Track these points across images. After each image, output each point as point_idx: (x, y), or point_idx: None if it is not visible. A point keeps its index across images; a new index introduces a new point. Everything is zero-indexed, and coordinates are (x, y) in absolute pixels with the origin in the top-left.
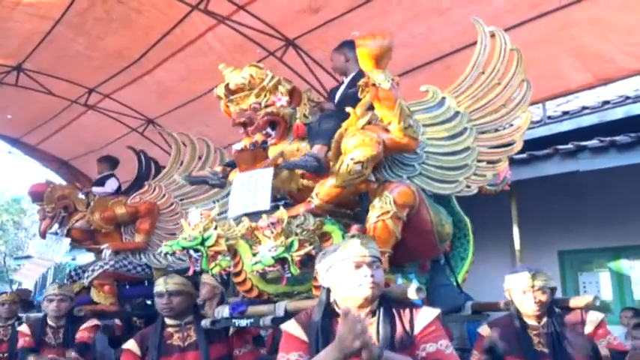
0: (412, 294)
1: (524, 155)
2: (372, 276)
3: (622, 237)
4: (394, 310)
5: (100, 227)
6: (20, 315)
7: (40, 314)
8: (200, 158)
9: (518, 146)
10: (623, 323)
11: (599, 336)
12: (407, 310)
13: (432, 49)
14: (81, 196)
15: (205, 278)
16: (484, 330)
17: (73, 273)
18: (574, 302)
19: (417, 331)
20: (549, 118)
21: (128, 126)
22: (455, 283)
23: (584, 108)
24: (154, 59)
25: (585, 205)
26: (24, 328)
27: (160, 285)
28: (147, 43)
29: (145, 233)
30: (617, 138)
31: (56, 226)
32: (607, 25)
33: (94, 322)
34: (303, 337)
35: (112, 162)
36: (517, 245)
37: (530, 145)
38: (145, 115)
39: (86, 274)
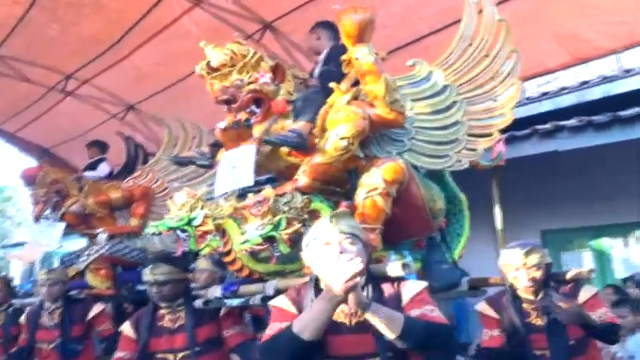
0: (397, 270)
1: (504, 135)
2: (342, 252)
3: (603, 216)
4: (382, 285)
5: (94, 211)
6: (14, 302)
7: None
8: (194, 139)
9: (509, 119)
10: (604, 301)
11: (590, 306)
12: (395, 284)
13: (410, 29)
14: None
15: (202, 264)
16: (482, 306)
17: (65, 259)
18: (570, 275)
19: (404, 302)
20: (528, 99)
21: (108, 112)
22: (450, 260)
23: (563, 88)
24: (131, 44)
25: (567, 184)
26: (22, 321)
27: (147, 275)
28: (122, 27)
29: (140, 217)
30: (594, 118)
31: (49, 211)
32: (583, 4)
33: (100, 307)
34: (293, 309)
35: (101, 146)
36: (499, 225)
37: (510, 125)
38: (124, 100)
39: (81, 259)
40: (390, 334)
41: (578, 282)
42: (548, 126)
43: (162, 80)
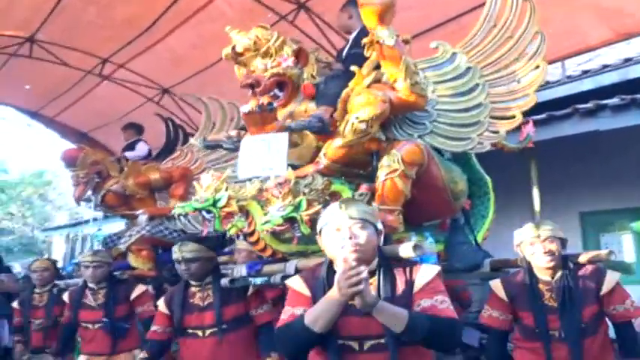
0: (409, 251)
1: (542, 116)
2: (352, 238)
3: None
4: (395, 269)
5: (134, 192)
6: (57, 282)
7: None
8: (232, 120)
9: (532, 101)
10: None
11: (613, 300)
12: (407, 269)
13: (445, 9)
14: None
15: (240, 244)
16: (494, 284)
17: (108, 240)
18: (587, 257)
19: (416, 288)
20: (569, 77)
21: (144, 95)
22: (474, 241)
23: (604, 66)
24: (165, 27)
25: (607, 165)
26: (65, 298)
27: (176, 253)
28: (156, 10)
29: (179, 199)
30: (637, 96)
31: (89, 192)
32: None
33: (142, 288)
34: (306, 292)
35: (137, 128)
36: (537, 207)
37: (549, 105)
38: (159, 84)
39: (123, 240)
40: (394, 329)
41: (599, 266)
42: (589, 105)
43: (197, 63)
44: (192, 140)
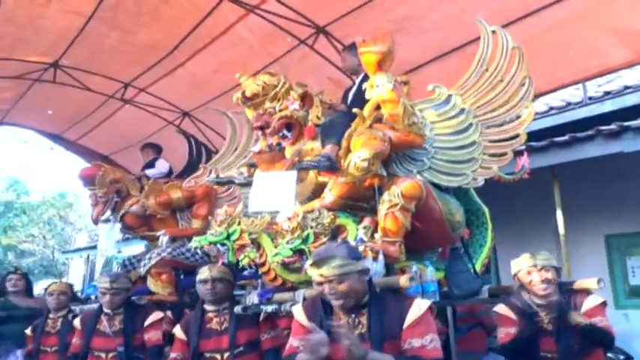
0: (405, 282)
1: (565, 137)
2: (332, 290)
3: None
4: (388, 301)
5: (155, 212)
6: (73, 308)
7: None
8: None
9: (523, 139)
10: None
11: (590, 315)
12: (399, 302)
13: (464, 31)
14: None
15: None
16: (500, 307)
17: (127, 262)
18: (578, 285)
19: (407, 323)
20: (590, 98)
21: (164, 119)
22: (472, 269)
23: (626, 87)
24: (186, 52)
25: (631, 187)
26: (77, 324)
27: (205, 272)
28: (178, 35)
29: (202, 219)
30: None
31: (108, 212)
32: None
33: (158, 315)
34: (305, 322)
35: (156, 148)
36: (561, 229)
37: (571, 126)
38: (180, 107)
39: (142, 263)
40: None
41: (590, 291)
42: (613, 127)
43: (217, 87)
44: (217, 155)
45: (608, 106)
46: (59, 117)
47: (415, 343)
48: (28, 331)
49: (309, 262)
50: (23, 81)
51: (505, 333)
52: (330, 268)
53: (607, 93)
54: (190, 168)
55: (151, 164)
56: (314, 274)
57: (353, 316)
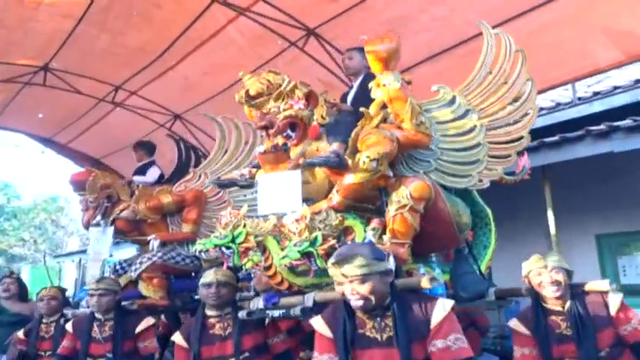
0: (426, 284)
1: (555, 138)
2: (354, 291)
3: None
4: (411, 302)
5: (146, 217)
6: (65, 312)
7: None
8: (247, 143)
9: (526, 141)
10: None
11: (622, 321)
12: (423, 302)
13: (454, 32)
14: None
15: None
16: (514, 323)
17: (117, 267)
18: (589, 286)
19: (432, 324)
20: (579, 99)
21: (155, 122)
22: (478, 271)
23: (615, 88)
24: (177, 54)
25: (622, 187)
26: (68, 328)
27: (210, 276)
28: (169, 38)
29: (192, 223)
30: None
31: (99, 217)
32: None
33: (149, 321)
34: (329, 334)
35: (149, 147)
36: (552, 230)
37: (561, 127)
38: (171, 110)
39: (134, 267)
40: None
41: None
42: (602, 127)
43: (209, 89)
44: (207, 159)
45: (598, 107)
46: (50, 120)
47: (440, 344)
48: (20, 334)
49: (332, 260)
50: (13, 84)
51: (520, 354)
52: (352, 267)
53: (596, 93)
54: (179, 171)
55: (141, 170)
56: (335, 273)
57: (378, 319)
